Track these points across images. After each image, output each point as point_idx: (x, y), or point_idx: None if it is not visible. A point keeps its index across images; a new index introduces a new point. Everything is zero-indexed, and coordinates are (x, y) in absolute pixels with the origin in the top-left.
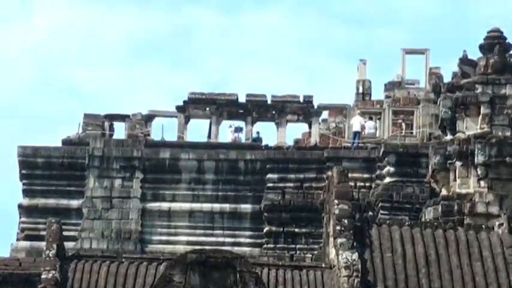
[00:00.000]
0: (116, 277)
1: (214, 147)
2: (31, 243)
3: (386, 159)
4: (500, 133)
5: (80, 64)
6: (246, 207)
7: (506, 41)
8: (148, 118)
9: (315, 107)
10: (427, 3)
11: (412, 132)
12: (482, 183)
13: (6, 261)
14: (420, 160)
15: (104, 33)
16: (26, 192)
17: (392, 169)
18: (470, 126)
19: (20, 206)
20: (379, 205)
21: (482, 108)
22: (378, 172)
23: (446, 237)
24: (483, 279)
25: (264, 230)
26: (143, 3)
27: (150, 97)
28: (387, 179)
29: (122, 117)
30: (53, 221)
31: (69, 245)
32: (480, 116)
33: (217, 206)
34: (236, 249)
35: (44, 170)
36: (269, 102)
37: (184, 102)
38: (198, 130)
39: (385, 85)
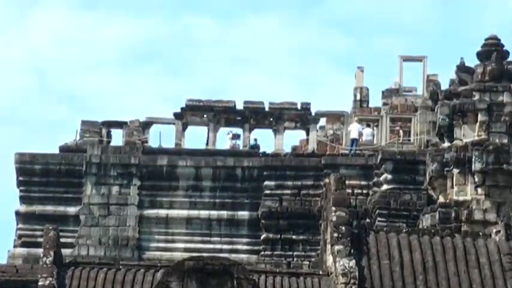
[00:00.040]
0: (113, 284)
1: (212, 154)
2: (28, 250)
3: (383, 166)
4: (497, 140)
5: (78, 70)
6: (244, 214)
7: (504, 48)
8: (146, 125)
9: (313, 114)
10: (425, 11)
11: (409, 140)
12: (479, 190)
13: (3, 268)
14: (418, 167)
15: (102, 40)
16: (23, 199)
17: (389, 176)
18: (467, 134)
19: (17, 213)
20: (377, 212)
21: (479, 115)
22: (375, 179)
23: (444, 244)
24: (480, 287)
25: (262, 237)
26: (141, 10)
27: (148, 104)
28: (384, 186)
29: (120, 124)
30: (50, 227)
31: (66, 251)
32: (477, 123)
33: (214, 213)
34: (233, 256)
35: (42, 177)
36: (267, 109)
37: (182, 109)
38: (195, 137)
39: (383, 92)
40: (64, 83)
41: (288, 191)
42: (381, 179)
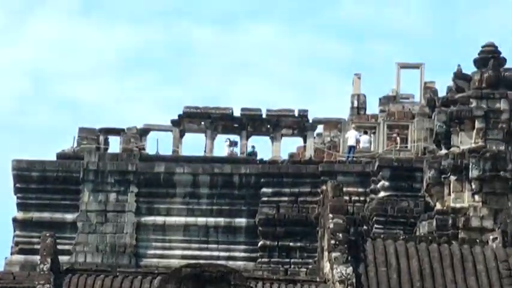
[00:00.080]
0: None
1: (209, 161)
2: (25, 257)
3: (381, 173)
4: (494, 147)
5: (76, 78)
6: (241, 221)
7: (501, 55)
8: (143, 132)
9: (310, 121)
10: (422, 19)
11: (406, 147)
12: (476, 197)
13: (0, 275)
14: (415, 174)
15: (100, 47)
16: (21, 206)
17: (386, 183)
18: (464, 141)
19: (14, 220)
20: (374, 219)
21: (476, 122)
22: (372, 186)
23: (441, 251)
24: None
25: (259, 244)
26: (139, 17)
27: (145, 111)
28: (382, 193)
29: (117, 131)
30: (48, 234)
31: (63, 258)
32: (474, 130)
33: (212, 220)
34: (231, 263)
35: (39, 184)
36: (264, 116)
37: (179, 116)
38: (193, 144)
39: (380, 99)
40: (62, 90)
41: (285, 198)
42: (378, 186)
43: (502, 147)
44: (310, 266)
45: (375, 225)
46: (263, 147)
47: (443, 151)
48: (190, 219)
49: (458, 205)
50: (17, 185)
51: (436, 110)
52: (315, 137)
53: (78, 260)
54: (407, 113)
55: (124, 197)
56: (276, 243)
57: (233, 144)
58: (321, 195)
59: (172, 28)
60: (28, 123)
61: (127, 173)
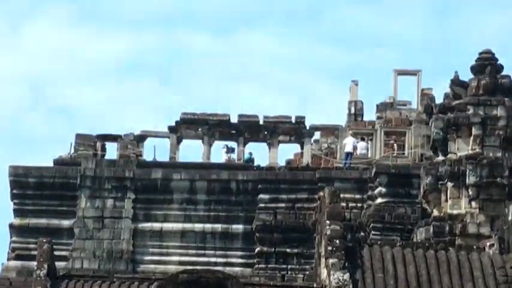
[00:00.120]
0: None
1: (206, 168)
2: (22, 262)
3: (378, 179)
4: (491, 154)
5: (72, 84)
6: (238, 227)
7: (498, 62)
8: (140, 138)
9: (307, 127)
10: (419, 26)
11: (403, 153)
12: (473, 204)
13: None
14: (412, 181)
15: (96, 53)
16: (17, 212)
17: (384, 190)
18: (461, 147)
19: (11, 226)
20: (371, 226)
21: (473, 129)
22: (369, 193)
23: (438, 257)
24: None
25: (256, 250)
26: (136, 23)
27: (142, 117)
28: (379, 200)
29: (114, 138)
30: (44, 240)
31: (60, 264)
32: (471, 137)
33: (209, 226)
34: (228, 269)
35: (36, 190)
36: (261, 122)
37: (176, 122)
38: (190, 150)
39: (377, 106)
40: (59, 97)
41: (283, 205)
42: (375, 192)
43: (499, 154)
44: (307, 272)
45: (372, 232)
46: (260, 153)
47: (440, 158)
48: (188, 225)
49: (455, 211)
50: (14, 191)
51: (433, 117)
52: (312, 144)
53: (75, 266)
54: (404, 119)
55: (121, 203)
56: (273, 249)
57: (230, 150)
58: (318, 202)
59: (170, 35)
60: (25, 130)
61: (124, 179)
